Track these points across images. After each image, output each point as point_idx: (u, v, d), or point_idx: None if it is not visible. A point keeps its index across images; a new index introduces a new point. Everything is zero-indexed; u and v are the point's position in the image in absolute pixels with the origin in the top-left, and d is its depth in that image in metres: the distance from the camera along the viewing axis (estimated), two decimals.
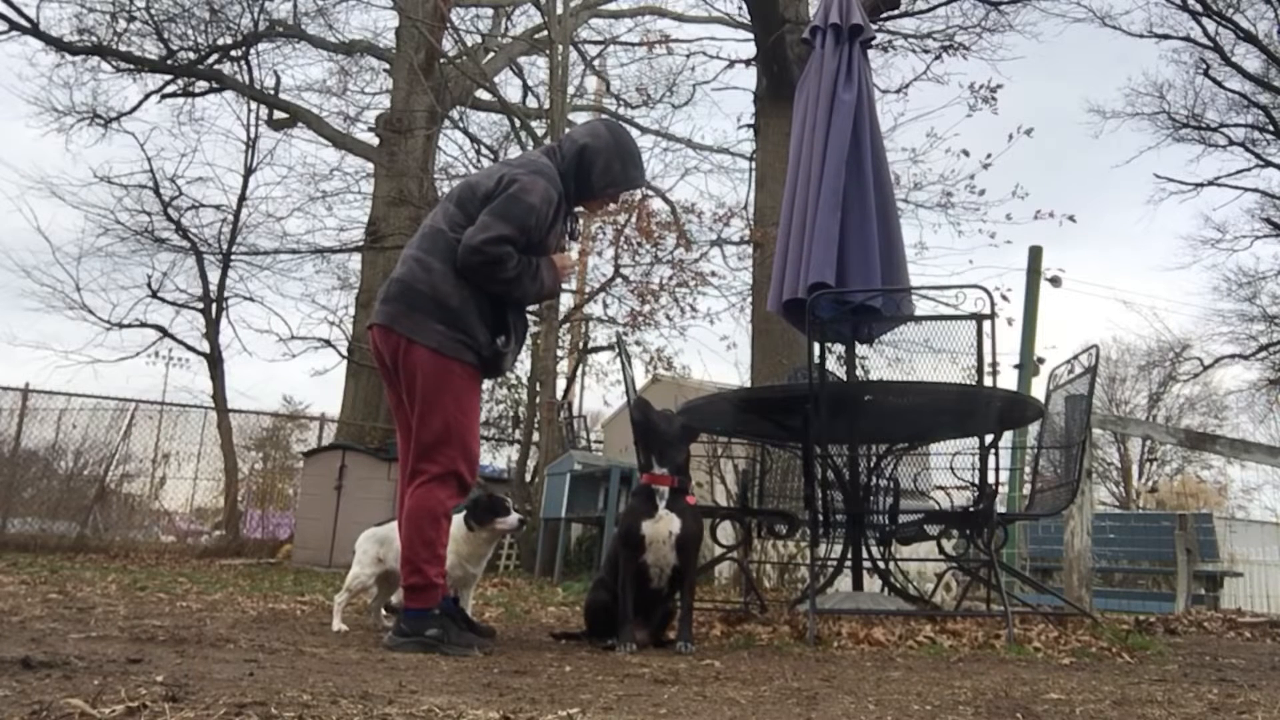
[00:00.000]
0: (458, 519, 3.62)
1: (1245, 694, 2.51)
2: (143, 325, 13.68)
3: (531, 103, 14.80)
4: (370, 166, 14.19)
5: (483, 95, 14.25)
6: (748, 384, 9.24)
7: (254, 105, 14.34)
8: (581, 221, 12.54)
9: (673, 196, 13.58)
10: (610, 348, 12.89)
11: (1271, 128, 18.21)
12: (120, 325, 13.64)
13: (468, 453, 3.22)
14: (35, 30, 13.40)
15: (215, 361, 13.19)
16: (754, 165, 10.92)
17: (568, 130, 3.63)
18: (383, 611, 3.94)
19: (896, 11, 10.90)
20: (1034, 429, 5.08)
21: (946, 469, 4.12)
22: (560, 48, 11.11)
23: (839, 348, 4.62)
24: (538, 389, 10.67)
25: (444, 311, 3.17)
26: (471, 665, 2.71)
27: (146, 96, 14.55)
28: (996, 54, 12.89)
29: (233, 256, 13.88)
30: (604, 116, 3.86)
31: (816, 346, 4.08)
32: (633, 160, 3.53)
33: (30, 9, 13.37)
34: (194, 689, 1.91)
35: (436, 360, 3.16)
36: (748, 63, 11.86)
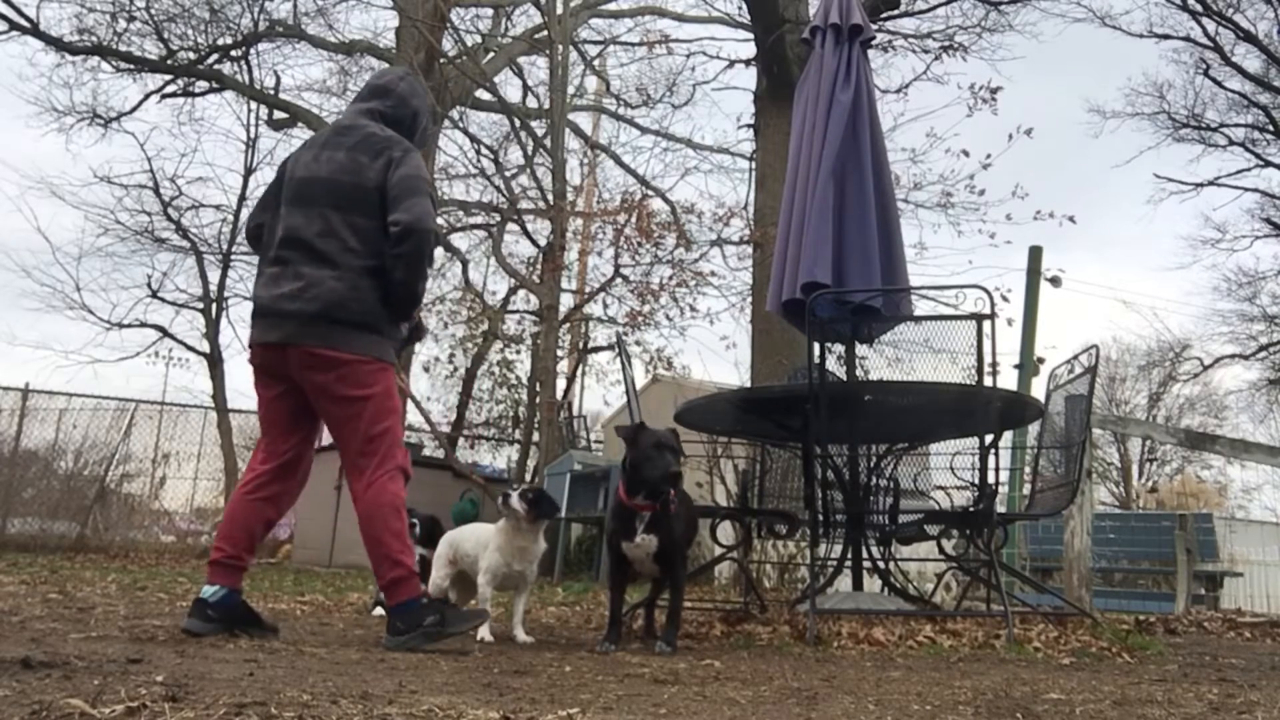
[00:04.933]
0: (501, 523, 3.59)
1: (1245, 694, 2.51)
2: (143, 325, 13.72)
3: (531, 103, 14.81)
4: None
5: (483, 95, 14.25)
6: (748, 384, 9.23)
7: (254, 105, 14.37)
8: (581, 222, 12.57)
9: (673, 196, 13.60)
10: (610, 348, 12.90)
11: (1271, 128, 18.20)
12: (120, 325, 13.67)
13: (402, 446, 3.38)
14: (35, 30, 13.40)
15: (215, 361, 13.20)
16: (754, 165, 10.93)
17: (383, 83, 3.58)
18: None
19: (896, 11, 10.91)
20: (1034, 429, 5.08)
21: (946, 469, 4.12)
22: (560, 48, 11.12)
23: (839, 348, 4.62)
24: (538, 389, 10.67)
25: (377, 322, 3.26)
26: (471, 665, 2.71)
27: (146, 96, 14.58)
28: (996, 54, 12.89)
29: (233, 256, 13.91)
30: (407, 72, 3.91)
31: (816, 346, 4.08)
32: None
33: (30, 9, 13.39)
34: (194, 689, 1.91)
35: (377, 368, 3.25)
36: (748, 63, 11.87)
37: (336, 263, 3.21)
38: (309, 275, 3.21)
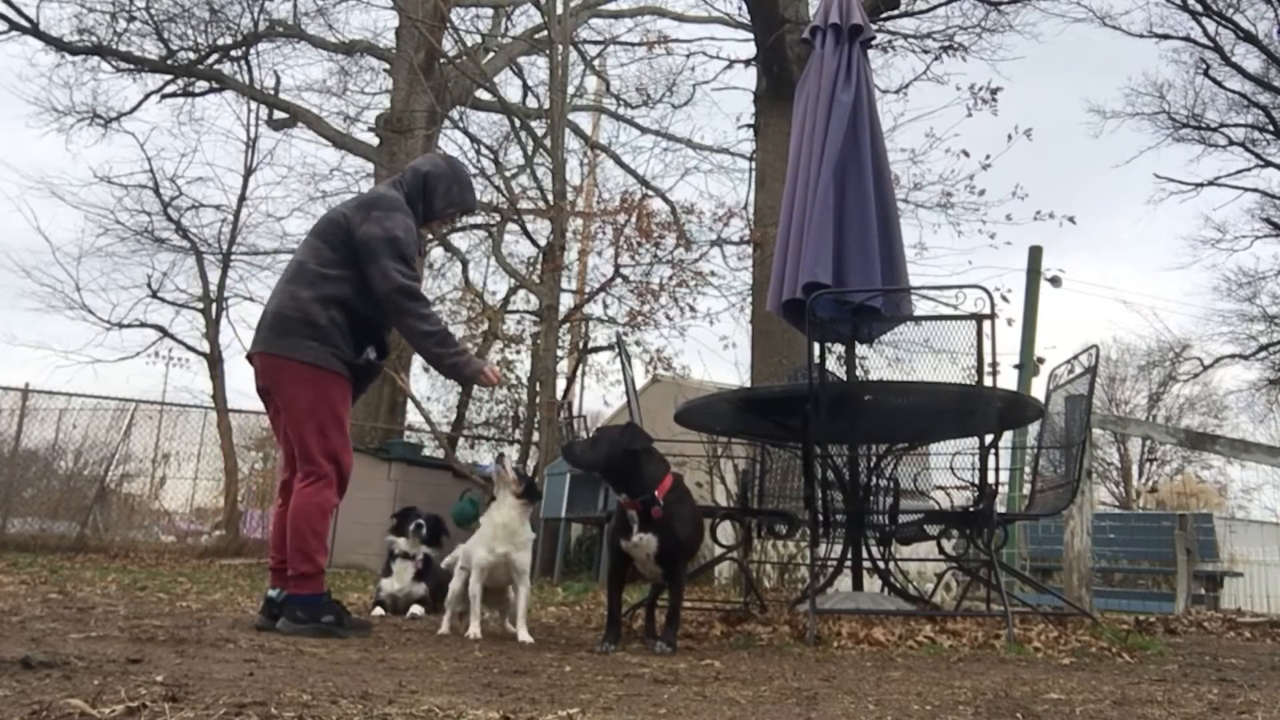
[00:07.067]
0: (486, 513, 3.69)
1: (1245, 694, 2.51)
2: (143, 325, 13.69)
3: (531, 103, 14.80)
4: (370, 166, 14.19)
5: (483, 95, 14.24)
6: (748, 384, 9.23)
7: (254, 105, 14.34)
8: (581, 222, 12.58)
9: (673, 196, 13.58)
10: (610, 348, 12.89)
11: (1271, 128, 18.19)
12: (120, 325, 13.65)
13: (345, 454, 3.63)
14: (35, 30, 13.40)
15: (215, 361, 13.19)
16: (754, 165, 10.92)
17: (410, 164, 4.07)
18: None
19: (896, 11, 10.89)
20: (1034, 429, 5.08)
21: (946, 469, 4.12)
22: (560, 48, 11.11)
23: (839, 348, 4.62)
24: (538, 389, 10.67)
25: (314, 330, 3.52)
26: (471, 665, 2.71)
27: (146, 96, 14.57)
28: (996, 54, 12.88)
29: (233, 256, 13.89)
30: (442, 151, 4.31)
31: (816, 346, 4.08)
32: (468, 185, 4.03)
33: (30, 9, 13.39)
34: (194, 689, 1.91)
35: (311, 373, 3.52)
36: (748, 63, 11.86)
37: (292, 279, 3.63)
38: (277, 291, 3.66)
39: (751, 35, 10.54)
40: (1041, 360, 8.79)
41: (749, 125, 10.99)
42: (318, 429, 3.53)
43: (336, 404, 3.59)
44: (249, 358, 3.68)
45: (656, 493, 3.25)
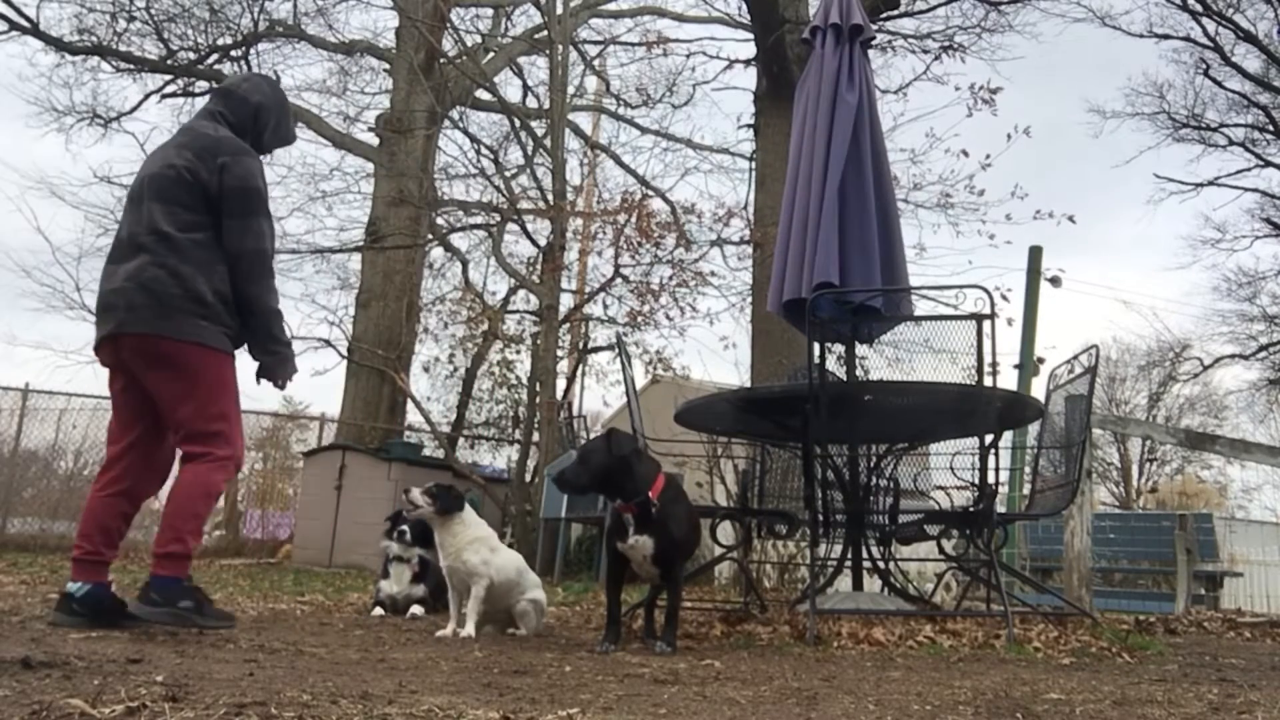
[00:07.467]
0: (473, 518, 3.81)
1: (1245, 694, 2.51)
2: None
3: (531, 103, 14.80)
4: (370, 166, 14.19)
5: (483, 95, 14.23)
6: (748, 384, 9.23)
7: None
8: (581, 222, 12.58)
9: (673, 196, 13.57)
10: (610, 348, 12.88)
11: (1271, 128, 18.20)
12: None
13: (241, 439, 3.44)
14: (35, 30, 13.40)
15: None
16: (754, 165, 10.92)
17: (227, 86, 3.69)
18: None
19: (896, 11, 10.89)
20: (1034, 429, 5.08)
21: (946, 469, 4.12)
22: (560, 48, 11.11)
23: (839, 348, 4.62)
24: (538, 389, 10.67)
25: (202, 307, 3.27)
26: (471, 665, 2.71)
27: (146, 96, 14.57)
28: (996, 55, 12.85)
29: None
30: (253, 74, 3.99)
31: (816, 346, 4.08)
32: (291, 116, 3.78)
33: (30, 9, 13.38)
34: (194, 689, 1.92)
35: (210, 356, 3.28)
36: (747, 63, 11.85)
37: (154, 250, 3.27)
38: (131, 266, 3.29)
39: (751, 35, 10.54)
40: (1041, 360, 8.79)
41: (749, 125, 10.99)
42: (221, 415, 3.31)
43: (233, 385, 3.38)
44: (111, 338, 3.31)
45: (651, 494, 3.25)
